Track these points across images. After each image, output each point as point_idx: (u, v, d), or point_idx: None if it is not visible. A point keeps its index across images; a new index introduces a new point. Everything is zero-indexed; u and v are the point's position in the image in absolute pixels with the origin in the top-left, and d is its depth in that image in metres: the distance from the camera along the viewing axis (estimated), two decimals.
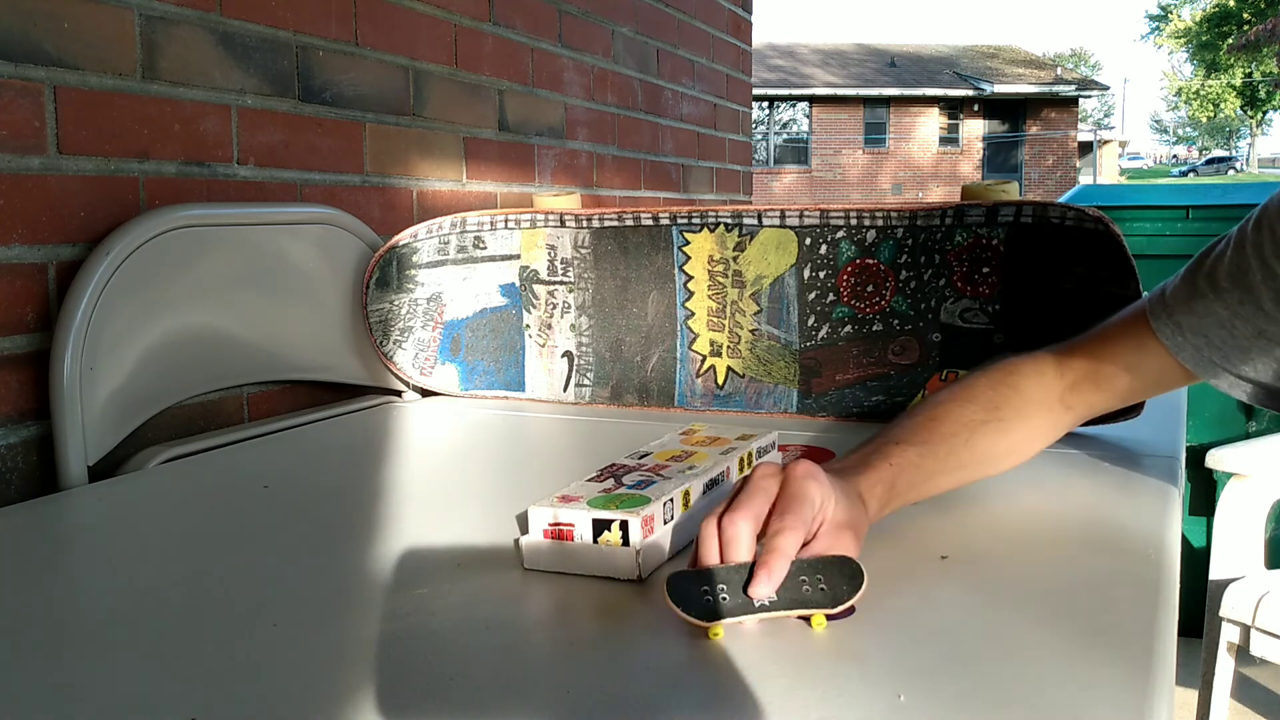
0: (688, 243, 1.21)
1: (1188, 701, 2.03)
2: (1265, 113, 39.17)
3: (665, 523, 0.70)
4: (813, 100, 23.93)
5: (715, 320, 1.21)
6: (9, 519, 0.89)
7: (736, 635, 0.58)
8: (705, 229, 1.20)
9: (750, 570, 0.59)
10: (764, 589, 0.58)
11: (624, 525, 0.66)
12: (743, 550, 0.60)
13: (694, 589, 0.58)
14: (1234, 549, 1.98)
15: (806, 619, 0.59)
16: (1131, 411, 1.03)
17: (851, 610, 0.59)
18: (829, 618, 0.58)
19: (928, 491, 0.78)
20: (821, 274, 1.16)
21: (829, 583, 0.59)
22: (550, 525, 0.68)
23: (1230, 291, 0.77)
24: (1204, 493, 2.48)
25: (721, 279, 1.20)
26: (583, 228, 1.27)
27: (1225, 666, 1.93)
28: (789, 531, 0.60)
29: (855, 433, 1.09)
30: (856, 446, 0.77)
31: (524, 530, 0.71)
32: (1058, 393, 0.84)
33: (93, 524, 0.91)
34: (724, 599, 0.58)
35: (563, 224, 1.28)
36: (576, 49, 2.12)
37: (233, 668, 0.56)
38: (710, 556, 0.61)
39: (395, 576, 0.70)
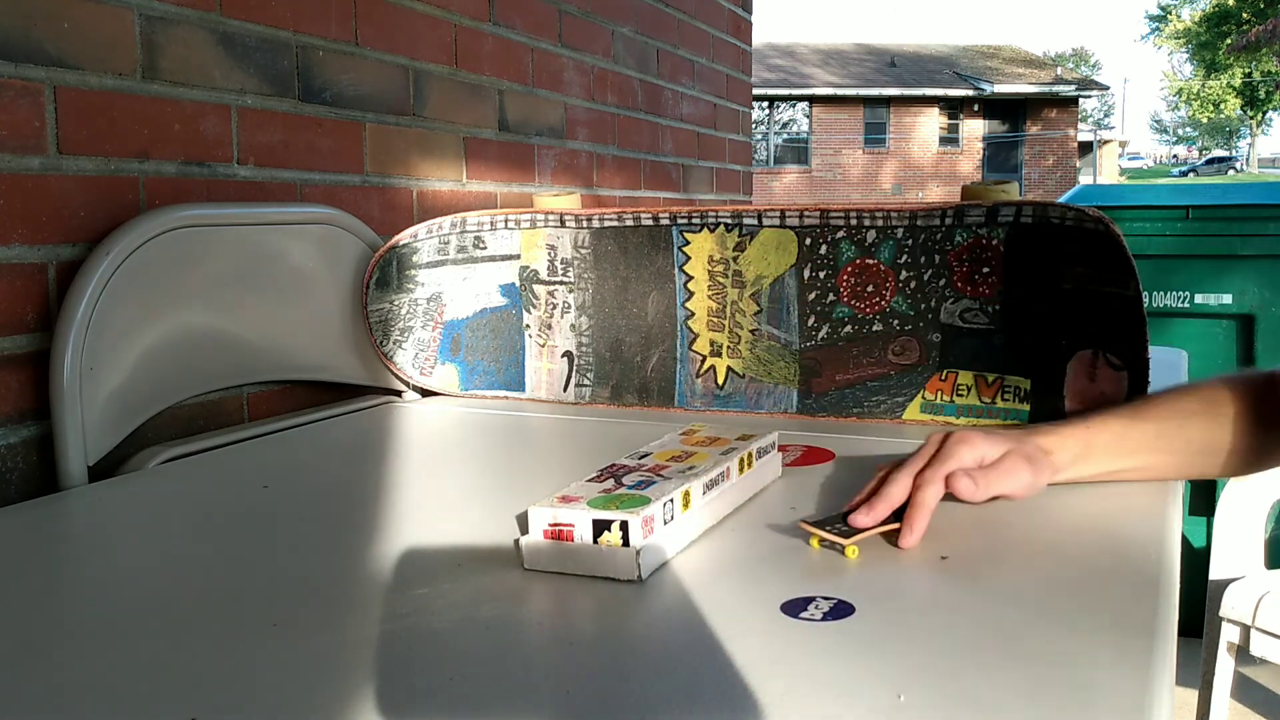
0: (688, 243, 1.21)
1: (1188, 701, 2.03)
2: (1265, 113, 39.16)
3: (665, 523, 0.70)
4: (813, 100, 23.93)
5: (715, 320, 1.21)
6: (9, 519, 0.89)
7: (736, 635, 0.58)
8: (705, 229, 1.20)
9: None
10: (910, 540, 0.70)
11: (624, 526, 0.66)
12: (899, 497, 0.72)
13: (823, 526, 0.72)
14: (1234, 549, 1.98)
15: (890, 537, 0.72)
16: None
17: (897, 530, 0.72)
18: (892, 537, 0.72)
19: (1137, 467, 0.78)
20: (821, 274, 1.16)
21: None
22: (550, 525, 0.68)
23: None
24: (1204, 493, 2.48)
25: (721, 279, 1.20)
26: (583, 228, 1.27)
27: (1225, 666, 1.93)
28: (930, 487, 0.71)
29: (855, 433, 1.09)
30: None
31: (524, 530, 0.71)
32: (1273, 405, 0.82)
33: (93, 524, 0.91)
34: (843, 528, 0.71)
35: (563, 224, 1.28)
36: (576, 49, 2.12)
37: (233, 668, 0.56)
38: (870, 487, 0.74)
39: (395, 576, 0.70)
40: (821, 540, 0.71)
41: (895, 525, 0.71)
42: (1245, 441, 0.82)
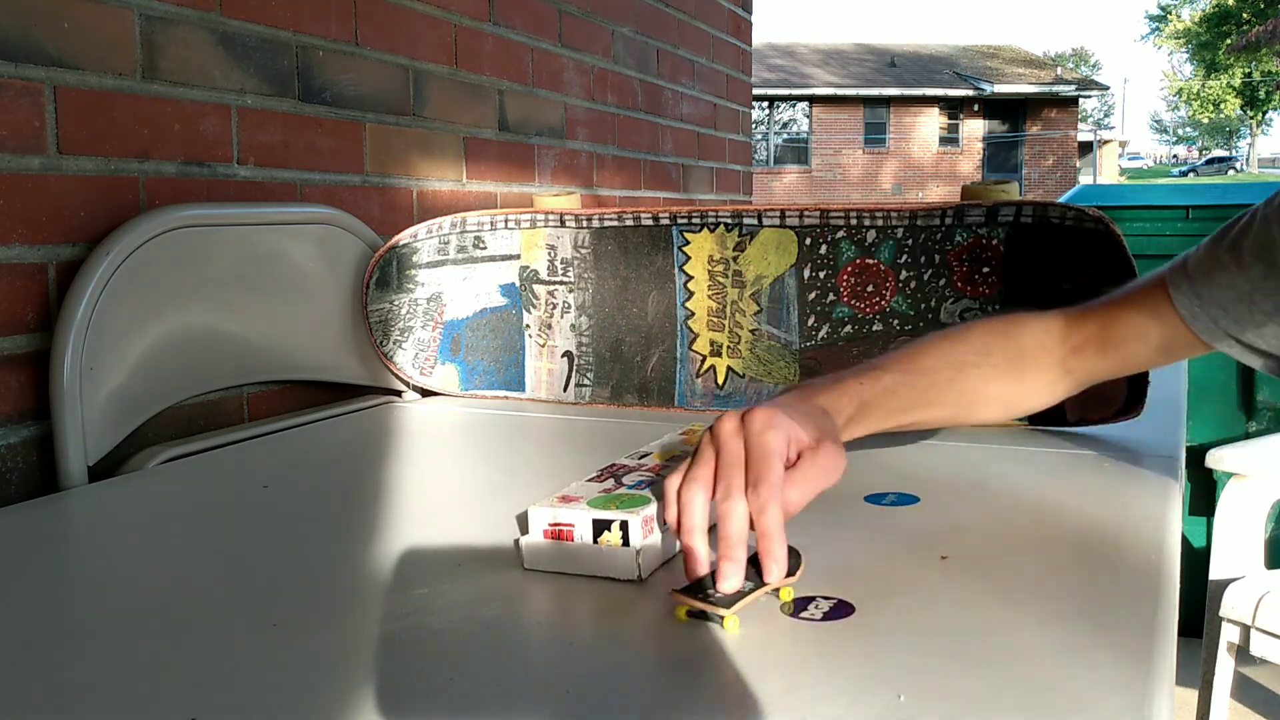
0: (688, 243, 1.21)
1: (1188, 701, 2.03)
2: (1265, 113, 39.16)
3: (665, 523, 0.70)
4: (813, 100, 23.93)
5: (715, 320, 1.21)
6: (9, 519, 0.89)
7: (736, 636, 0.58)
8: (705, 229, 1.20)
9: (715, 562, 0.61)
10: (778, 573, 0.59)
11: (624, 525, 0.66)
12: (697, 516, 0.61)
13: (696, 591, 0.59)
14: (1234, 549, 1.98)
15: (775, 592, 0.61)
16: (1131, 411, 1.03)
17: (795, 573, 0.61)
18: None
19: (913, 421, 0.76)
20: (821, 274, 1.16)
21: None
22: (550, 525, 0.68)
23: (1254, 265, 0.77)
24: (1204, 493, 2.48)
25: (721, 279, 1.20)
26: (583, 228, 1.27)
27: (1225, 666, 1.93)
28: (770, 507, 0.60)
29: None
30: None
31: (524, 530, 0.71)
32: (1059, 355, 0.84)
33: (93, 524, 0.91)
34: (715, 594, 0.59)
35: (563, 224, 1.28)
36: (576, 49, 2.12)
37: (233, 668, 0.56)
38: (670, 518, 0.63)
39: (395, 576, 0.70)
40: (691, 611, 0.59)
41: (772, 584, 0.60)
42: (1018, 388, 0.83)
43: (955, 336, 0.81)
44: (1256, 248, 0.77)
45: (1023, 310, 0.88)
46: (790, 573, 0.61)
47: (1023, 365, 0.83)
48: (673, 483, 0.64)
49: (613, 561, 0.66)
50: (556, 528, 0.68)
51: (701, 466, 0.63)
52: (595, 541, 0.67)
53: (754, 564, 0.60)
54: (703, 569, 0.60)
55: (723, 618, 0.58)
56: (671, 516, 0.63)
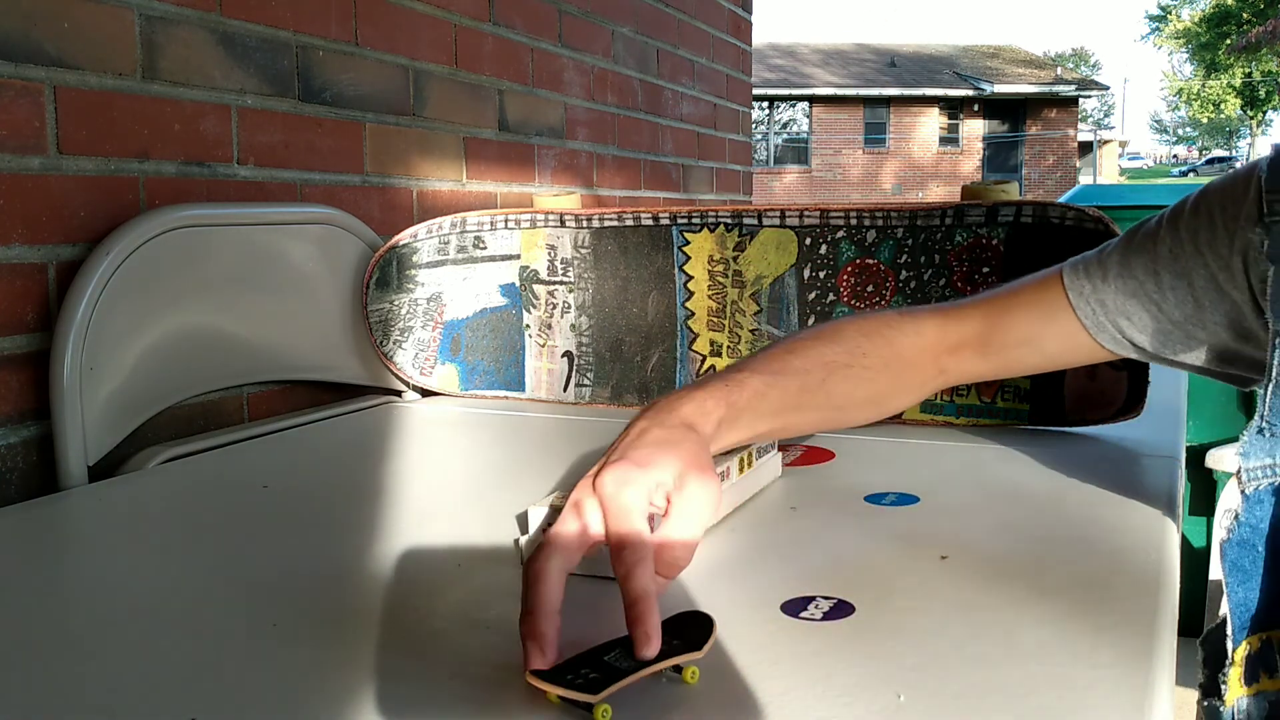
0: (688, 243, 1.21)
1: (1188, 701, 2.03)
2: (1265, 113, 39.16)
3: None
4: (813, 100, 23.93)
5: (715, 320, 1.21)
6: (9, 519, 0.89)
7: (735, 636, 0.58)
8: (705, 229, 1.20)
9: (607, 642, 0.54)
10: (651, 647, 0.51)
11: None
12: (553, 591, 0.55)
13: (563, 674, 0.51)
14: None
15: (677, 670, 0.53)
16: (1131, 411, 1.03)
17: (702, 649, 0.53)
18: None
19: (784, 425, 0.73)
20: (821, 274, 1.15)
21: (683, 635, 0.54)
22: (550, 525, 0.68)
23: (1161, 275, 0.74)
24: (1204, 493, 2.48)
25: (721, 279, 1.20)
26: (583, 228, 1.27)
27: None
28: (638, 570, 0.54)
29: (855, 433, 1.09)
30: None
31: (523, 530, 0.71)
32: (934, 355, 0.81)
33: (93, 524, 0.91)
34: (593, 676, 0.50)
35: (563, 224, 1.28)
36: (576, 49, 2.12)
37: (233, 668, 0.56)
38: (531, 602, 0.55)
39: (395, 576, 0.70)
40: (563, 697, 0.50)
41: (665, 663, 0.51)
42: (889, 389, 0.80)
43: (826, 336, 0.77)
44: (1165, 256, 0.74)
45: (899, 308, 0.84)
46: (693, 646, 0.52)
47: (897, 368, 0.80)
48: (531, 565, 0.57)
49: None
50: None
51: (561, 535, 0.57)
52: None
53: (667, 631, 0.53)
54: (545, 659, 0.52)
55: (594, 706, 0.48)
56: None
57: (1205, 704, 0.68)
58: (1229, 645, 0.65)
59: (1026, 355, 0.82)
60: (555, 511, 0.68)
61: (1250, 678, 0.64)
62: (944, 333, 0.81)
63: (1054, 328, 0.79)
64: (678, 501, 0.60)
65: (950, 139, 24.46)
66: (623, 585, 0.54)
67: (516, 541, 0.71)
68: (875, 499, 0.84)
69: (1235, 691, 0.65)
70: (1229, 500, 1.97)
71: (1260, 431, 0.65)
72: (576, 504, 0.60)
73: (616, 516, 0.58)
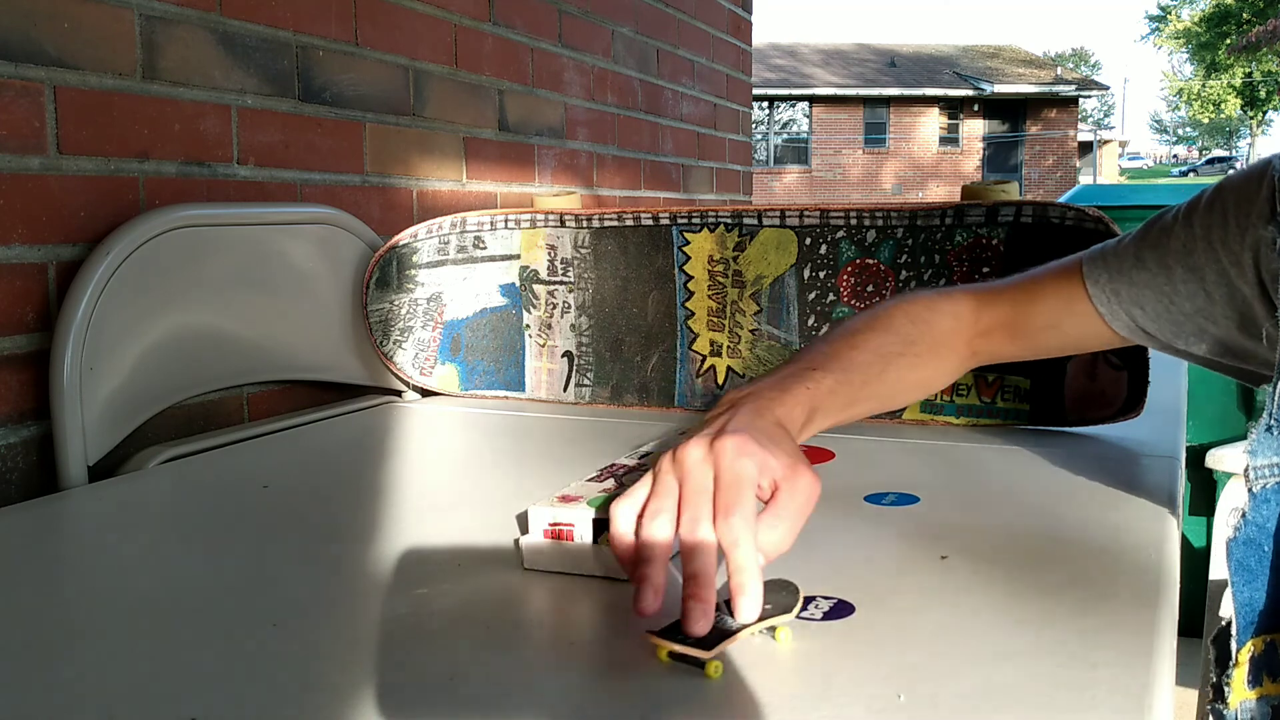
0: (688, 243, 1.21)
1: (1188, 701, 2.03)
2: (1265, 113, 39.17)
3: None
4: (813, 100, 23.93)
5: (715, 320, 1.21)
6: (9, 519, 0.89)
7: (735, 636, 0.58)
8: (705, 229, 1.20)
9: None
10: (754, 611, 0.55)
11: None
12: (660, 547, 0.57)
13: (674, 634, 0.54)
14: None
15: (771, 630, 0.57)
16: (1131, 411, 1.03)
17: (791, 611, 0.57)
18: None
19: (847, 418, 0.77)
20: (821, 274, 1.16)
21: (772, 599, 0.57)
22: (550, 525, 0.68)
23: (1174, 269, 0.76)
24: (1204, 493, 2.48)
25: (721, 279, 1.20)
26: (583, 228, 1.27)
27: None
28: (745, 539, 0.56)
29: (855, 433, 1.09)
30: (773, 370, 0.74)
31: (524, 530, 0.71)
32: (967, 336, 0.84)
33: (93, 524, 0.91)
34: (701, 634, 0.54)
35: (563, 224, 1.28)
36: (576, 49, 2.12)
37: (233, 668, 0.56)
38: (622, 546, 0.59)
39: (395, 576, 0.70)
40: (673, 654, 0.54)
41: (765, 623, 0.56)
42: (934, 372, 0.84)
43: (880, 326, 0.81)
44: (1178, 250, 0.76)
45: (932, 289, 0.88)
46: (784, 609, 0.57)
47: (939, 351, 0.83)
48: (624, 510, 0.60)
49: (613, 561, 0.66)
50: (556, 528, 0.68)
51: (665, 497, 0.59)
52: (595, 541, 0.67)
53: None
54: (655, 605, 0.55)
55: (705, 662, 0.53)
56: (623, 545, 0.59)
57: (1211, 706, 0.68)
58: (1233, 646, 0.65)
59: (1051, 338, 0.85)
60: (559, 511, 0.68)
61: (1254, 681, 0.64)
62: (977, 316, 0.84)
63: (1074, 314, 0.81)
64: (787, 490, 0.60)
65: (950, 139, 24.46)
66: (728, 552, 0.55)
67: (517, 541, 0.71)
68: (875, 499, 0.84)
69: (1239, 694, 0.65)
70: (1235, 499, 1.97)
71: (1269, 429, 0.65)
72: (680, 464, 0.60)
73: (730, 484, 0.58)
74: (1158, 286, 0.77)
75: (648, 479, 0.61)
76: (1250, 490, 0.65)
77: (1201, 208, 0.75)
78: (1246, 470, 0.65)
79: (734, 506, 0.57)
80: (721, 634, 0.54)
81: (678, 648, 0.53)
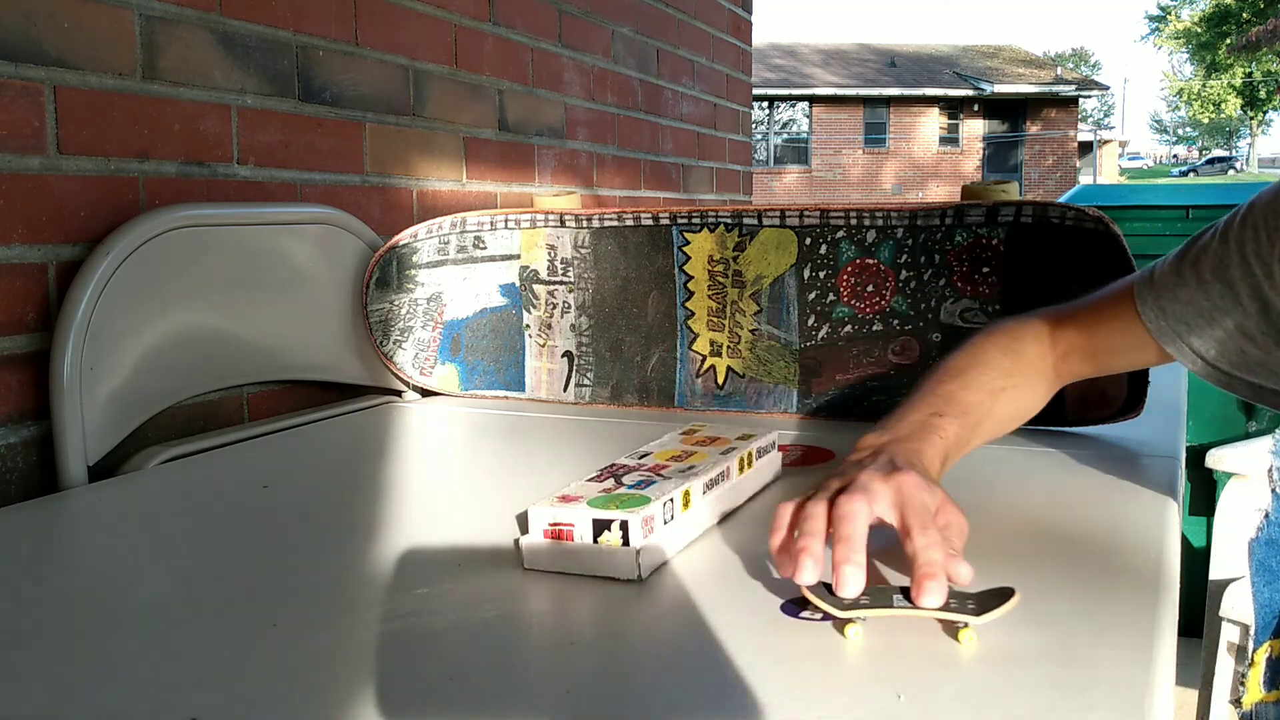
0: (688, 243, 1.21)
1: (1188, 701, 2.03)
2: (1266, 113, 39.17)
3: (665, 523, 0.70)
4: (813, 100, 23.93)
5: (715, 320, 1.21)
6: (9, 519, 0.89)
7: (737, 635, 0.58)
8: (705, 229, 1.20)
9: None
10: (935, 598, 0.57)
11: (624, 525, 0.66)
12: (858, 536, 0.60)
13: (828, 593, 0.59)
14: (1234, 549, 1.98)
15: (954, 629, 0.58)
16: (1131, 411, 1.03)
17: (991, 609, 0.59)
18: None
19: (961, 455, 0.80)
20: (821, 274, 1.15)
21: (979, 600, 0.59)
22: (550, 525, 0.68)
23: (1212, 284, 0.77)
24: (1204, 493, 2.48)
25: (721, 279, 1.20)
26: (583, 228, 1.27)
27: (1225, 666, 1.93)
28: (936, 544, 0.60)
29: (855, 432, 1.09)
30: (899, 412, 0.78)
31: (524, 530, 0.71)
32: (1052, 362, 0.87)
33: (93, 524, 0.91)
34: (862, 600, 0.59)
35: (563, 224, 1.28)
36: (576, 49, 2.12)
37: (233, 668, 0.56)
38: (814, 531, 0.62)
39: (395, 576, 0.70)
40: (819, 606, 0.59)
41: (930, 613, 0.58)
42: (1032, 401, 0.87)
43: (984, 363, 0.84)
44: (1214, 267, 0.77)
45: (1016, 314, 0.90)
46: (981, 609, 0.57)
47: (1033, 379, 0.86)
48: (818, 504, 0.64)
49: (613, 561, 0.66)
50: (556, 527, 0.68)
51: (871, 496, 0.63)
52: (595, 541, 0.67)
53: (967, 595, 0.60)
54: (816, 573, 0.59)
55: (844, 622, 0.57)
56: (819, 527, 0.62)
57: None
58: (1250, 645, 0.66)
59: (1117, 359, 0.87)
60: (561, 512, 0.68)
61: (1271, 683, 0.65)
62: (1055, 340, 0.87)
63: (1131, 336, 0.83)
64: (956, 530, 0.66)
65: (950, 139, 24.46)
66: (921, 554, 0.59)
67: (516, 541, 0.71)
68: None
69: (1254, 695, 0.65)
70: (1236, 499, 1.97)
71: None
72: (867, 487, 0.64)
73: (918, 510, 0.63)
74: (1198, 303, 0.78)
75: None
76: (1274, 491, 0.65)
77: (1236, 224, 0.77)
78: (1270, 470, 0.65)
79: (926, 525, 0.61)
80: (877, 604, 0.58)
81: (819, 602, 0.58)
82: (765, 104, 23.62)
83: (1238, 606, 1.87)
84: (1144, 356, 0.84)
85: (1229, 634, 1.90)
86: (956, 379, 0.82)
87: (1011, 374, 0.84)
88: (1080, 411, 1.05)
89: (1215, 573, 1.98)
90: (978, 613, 0.57)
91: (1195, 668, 1.98)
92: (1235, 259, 0.76)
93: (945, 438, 0.75)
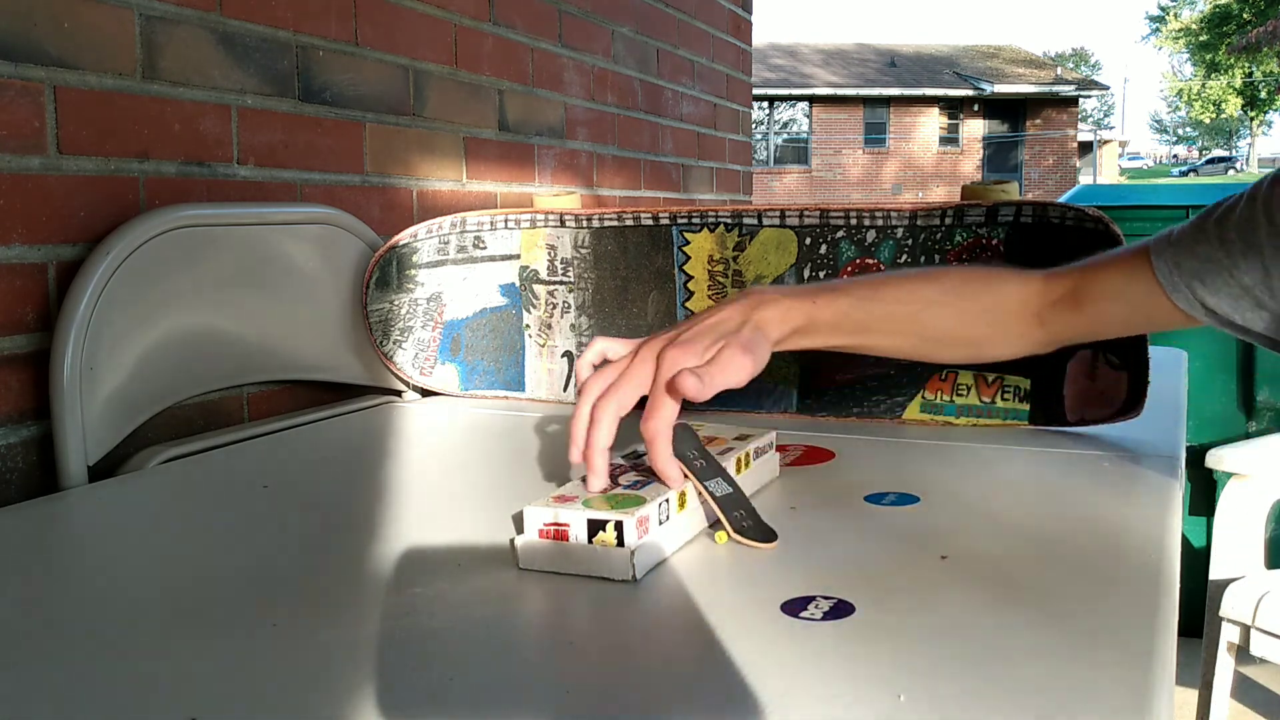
0: (688, 242, 1.21)
1: (1188, 701, 2.03)
2: (1266, 113, 39.16)
3: (661, 523, 0.70)
4: (813, 100, 23.93)
5: None
6: (9, 519, 0.89)
7: (736, 635, 0.58)
8: (705, 229, 1.20)
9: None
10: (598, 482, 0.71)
11: (619, 525, 0.66)
12: (608, 432, 0.72)
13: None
14: (1234, 549, 1.98)
15: (715, 528, 0.71)
16: (1131, 411, 1.03)
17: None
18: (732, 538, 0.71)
19: (860, 344, 0.80)
20: (821, 274, 1.15)
21: (754, 523, 0.72)
22: (546, 525, 0.68)
23: (1235, 243, 0.79)
24: (1204, 493, 2.48)
25: (722, 279, 1.20)
26: (583, 228, 1.27)
27: (1225, 666, 1.93)
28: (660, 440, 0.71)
29: (855, 432, 1.09)
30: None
31: (520, 530, 0.71)
32: (1036, 306, 0.87)
33: (93, 524, 0.91)
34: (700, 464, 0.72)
35: (563, 224, 1.28)
36: (576, 49, 2.12)
37: (233, 668, 0.56)
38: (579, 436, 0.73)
39: (394, 576, 0.70)
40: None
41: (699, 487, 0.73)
42: (988, 333, 0.87)
43: (927, 276, 0.85)
44: (1240, 225, 0.79)
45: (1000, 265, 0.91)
46: (744, 533, 0.71)
47: (999, 313, 0.86)
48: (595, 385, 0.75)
49: (607, 561, 0.66)
50: (552, 527, 0.68)
51: (619, 387, 0.75)
52: (590, 542, 0.67)
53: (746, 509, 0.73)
54: (602, 481, 0.72)
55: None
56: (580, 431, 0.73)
57: None
58: None
59: (1114, 310, 0.87)
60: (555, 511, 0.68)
61: None
62: (1046, 286, 0.87)
63: (1136, 285, 0.84)
64: (715, 361, 0.72)
65: (950, 139, 24.46)
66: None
67: (512, 541, 0.71)
68: (875, 499, 0.84)
69: None
70: (1236, 498, 1.97)
71: None
72: (634, 360, 0.74)
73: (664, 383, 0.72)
74: (1218, 259, 0.79)
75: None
76: None
77: (1265, 187, 0.78)
78: None
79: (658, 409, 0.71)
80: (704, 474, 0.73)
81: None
82: (765, 104, 23.63)
83: (1238, 606, 1.87)
84: (1141, 313, 0.85)
85: (1229, 634, 1.90)
86: (888, 275, 0.83)
87: (960, 296, 0.83)
88: (1080, 411, 1.05)
89: (1215, 573, 1.98)
90: (742, 532, 0.71)
91: (1195, 668, 1.98)
92: (1263, 219, 0.77)
93: (819, 306, 0.77)
